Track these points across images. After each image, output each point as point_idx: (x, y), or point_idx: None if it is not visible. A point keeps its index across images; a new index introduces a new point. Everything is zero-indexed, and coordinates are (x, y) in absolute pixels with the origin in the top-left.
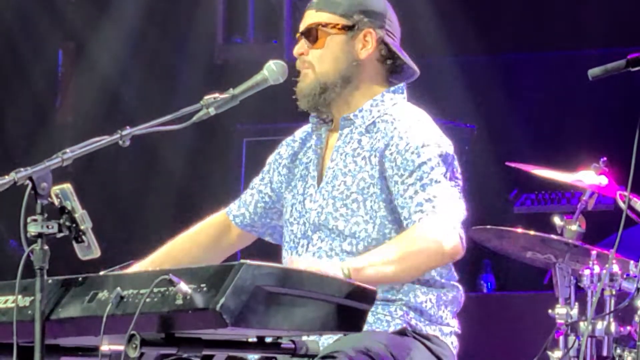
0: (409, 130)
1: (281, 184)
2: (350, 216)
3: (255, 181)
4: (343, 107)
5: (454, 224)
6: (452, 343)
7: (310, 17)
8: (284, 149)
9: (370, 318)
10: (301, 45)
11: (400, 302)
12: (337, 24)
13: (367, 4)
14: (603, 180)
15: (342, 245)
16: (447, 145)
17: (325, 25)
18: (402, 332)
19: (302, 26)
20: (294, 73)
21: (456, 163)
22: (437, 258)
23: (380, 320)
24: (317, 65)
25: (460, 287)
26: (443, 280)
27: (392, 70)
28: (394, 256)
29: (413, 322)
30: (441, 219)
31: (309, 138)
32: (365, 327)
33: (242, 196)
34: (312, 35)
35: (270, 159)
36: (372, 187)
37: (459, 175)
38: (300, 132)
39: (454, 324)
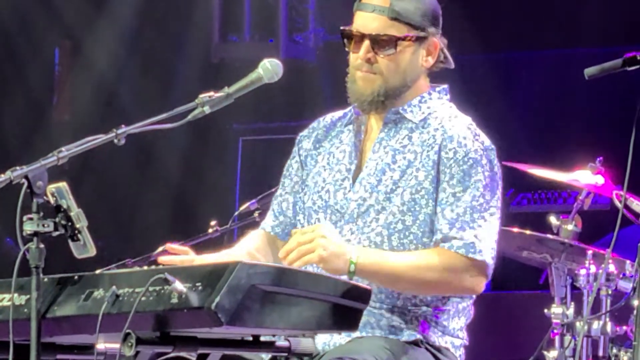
0: (467, 137)
1: (307, 175)
2: (389, 207)
3: (285, 188)
4: (392, 103)
5: (488, 269)
6: (460, 356)
7: (381, 24)
8: (305, 142)
9: (385, 325)
10: (368, 49)
11: (417, 312)
12: (412, 37)
13: (432, 12)
14: (599, 180)
15: (370, 236)
16: (496, 156)
17: (404, 38)
18: (415, 343)
19: (370, 29)
20: (288, 71)
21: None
22: (453, 292)
23: (395, 328)
24: (387, 74)
25: (474, 296)
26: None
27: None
28: (410, 278)
29: (427, 332)
30: (480, 262)
31: (332, 127)
32: (379, 333)
33: (273, 209)
34: (387, 45)
35: (292, 160)
36: (422, 182)
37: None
38: (320, 122)
39: (463, 336)
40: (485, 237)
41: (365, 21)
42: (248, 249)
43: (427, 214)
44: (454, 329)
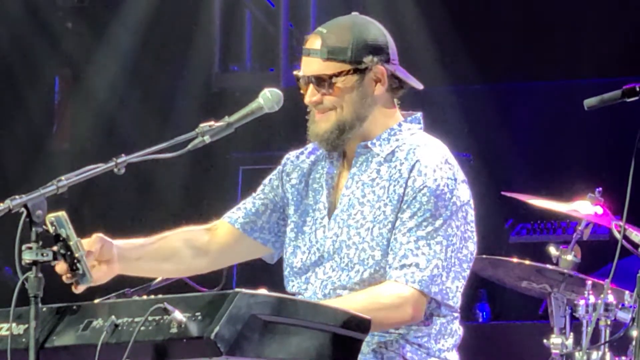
0: (428, 165)
1: (289, 202)
2: (360, 243)
3: (267, 194)
4: (358, 138)
5: (425, 297)
6: None
7: (317, 65)
8: (290, 166)
9: (365, 349)
10: (313, 93)
11: (397, 335)
12: (349, 70)
13: (371, 41)
14: (598, 210)
15: (350, 274)
16: (463, 188)
17: (339, 74)
18: None
19: (308, 71)
20: (289, 100)
21: (469, 209)
22: (392, 327)
23: (375, 352)
24: (337, 109)
25: (459, 317)
26: (446, 311)
27: (399, 93)
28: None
29: (409, 355)
30: (418, 291)
31: (318, 162)
32: (361, 358)
33: (245, 207)
34: (325, 84)
35: (274, 175)
36: (387, 216)
37: (470, 221)
38: (307, 153)
39: (452, 357)
40: (426, 266)
41: (305, 65)
42: (187, 238)
43: None
44: (440, 350)
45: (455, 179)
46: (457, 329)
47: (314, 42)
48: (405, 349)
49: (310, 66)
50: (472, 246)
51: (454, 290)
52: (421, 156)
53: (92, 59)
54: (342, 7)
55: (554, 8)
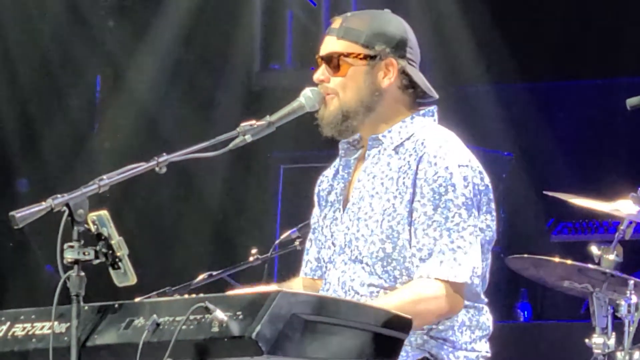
0: (438, 155)
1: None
2: (369, 236)
3: (312, 235)
4: (369, 132)
5: (466, 290)
6: None
7: (331, 44)
8: (324, 183)
9: None
10: (322, 72)
11: (421, 332)
12: (360, 54)
13: (389, 32)
14: None
15: (364, 267)
16: (477, 175)
17: (348, 55)
18: None
19: (323, 51)
20: None
21: (489, 195)
22: (434, 320)
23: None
24: (340, 92)
25: (487, 309)
26: (467, 303)
27: (416, 96)
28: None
29: (434, 350)
30: (459, 284)
31: (341, 165)
32: None
33: (306, 257)
34: (334, 63)
35: (316, 201)
36: (397, 208)
37: (492, 206)
38: (334, 164)
39: (482, 348)
40: (464, 259)
41: (323, 45)
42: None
43: (406, 239)
44: (466, 343)
45: (468, 166)
46: (486, 320)
47: (335, 22)
48: (429, 345)
49: (325, 46)
50: (491, 234)
51: (487, 280)
52: (429, 147)
53: (133, 58)
54: (383, 5)
55: (596, 6)
